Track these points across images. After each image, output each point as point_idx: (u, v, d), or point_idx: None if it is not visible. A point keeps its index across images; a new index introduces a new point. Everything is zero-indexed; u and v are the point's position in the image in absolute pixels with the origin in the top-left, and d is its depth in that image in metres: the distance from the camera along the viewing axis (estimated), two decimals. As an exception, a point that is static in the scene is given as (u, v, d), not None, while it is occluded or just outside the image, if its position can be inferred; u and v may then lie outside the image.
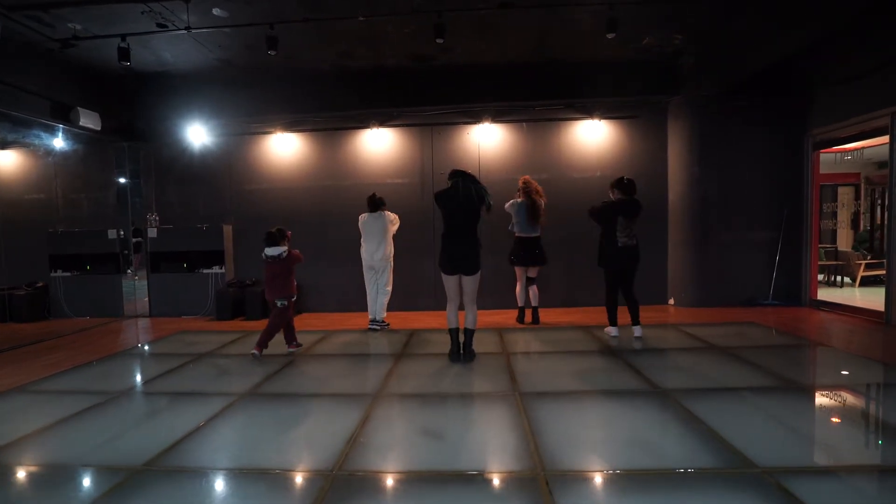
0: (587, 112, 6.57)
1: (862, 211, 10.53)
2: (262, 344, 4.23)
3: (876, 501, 1.95)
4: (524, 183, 5.36)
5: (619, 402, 3.03)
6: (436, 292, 6.48)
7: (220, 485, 2.17)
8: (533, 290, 5.48)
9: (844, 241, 9.88)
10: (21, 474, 2.32)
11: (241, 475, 2.23)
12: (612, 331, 4.67)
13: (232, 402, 3.17)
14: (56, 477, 2.26)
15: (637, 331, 4.58)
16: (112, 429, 2.82)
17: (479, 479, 2.13)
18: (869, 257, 8.10)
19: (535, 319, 5.47)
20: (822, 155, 6.39)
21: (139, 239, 6.98)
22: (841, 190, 10.61)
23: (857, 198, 10.68)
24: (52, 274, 6.98)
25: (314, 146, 6.88)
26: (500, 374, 3.62)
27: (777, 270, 6.34)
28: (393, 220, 5.32)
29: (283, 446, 2.54)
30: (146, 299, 6.96)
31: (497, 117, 6.63)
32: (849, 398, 3.09)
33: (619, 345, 4.39)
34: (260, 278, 6.71)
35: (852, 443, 2.50)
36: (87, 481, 2.22)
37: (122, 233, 6.95)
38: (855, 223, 10.22)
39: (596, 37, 5.38)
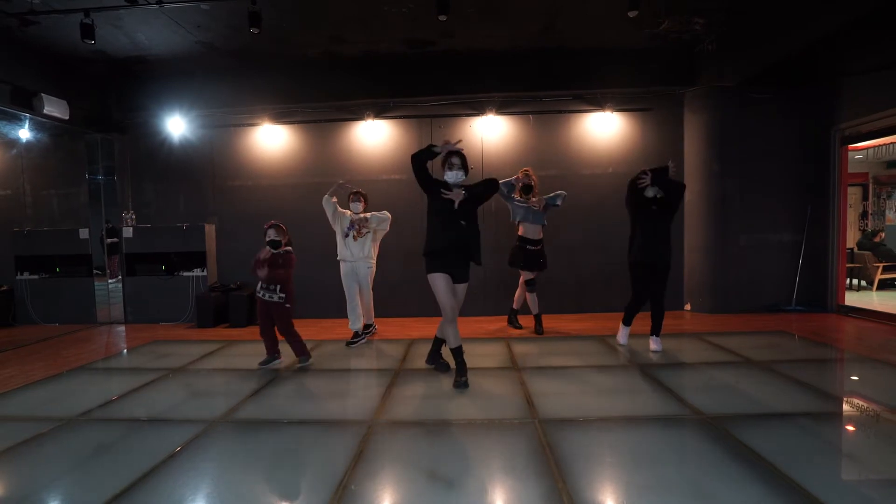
0: (598, 104, 6.12)
1: (870, 211, 10.22)
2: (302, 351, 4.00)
3: None
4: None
5: (658, 434, 2.56)
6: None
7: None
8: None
9: (853, 242, 9.56)
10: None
11: (198, 542, 1.75)
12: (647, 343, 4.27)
13: (199, 433, 2.68)
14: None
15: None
16: (50, 470, 2.31)
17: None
18: (881, 261, 7.71)
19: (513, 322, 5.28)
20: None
21: (114, 239, 6.44)
22: (850, 190, 10.29)
23: (865, 198, 10.37)
24: (18, 277, 6.42)
25: (304, 139, 6.37)
26: (513, 395, 3.16)
27: (800, 274, 5.93)
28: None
29: (255, 493, 2.06)
30: (121, 304, 6.42)
31: (501, 109, 6.16)
32: (923, 426, 2.65)
33: (639, 358, 3.94)
34: (245, 282, 6.22)
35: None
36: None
37: (103, 231, 6.39)
38: (864, 222, 9.90)
39: (609, 20, 4.94)
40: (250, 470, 2.28)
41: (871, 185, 10.35)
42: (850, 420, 2.71)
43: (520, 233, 4.92)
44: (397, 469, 2.26)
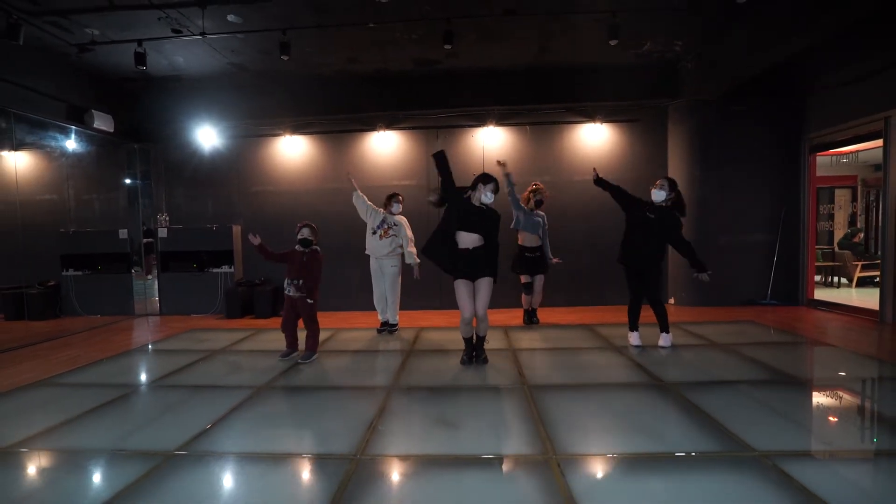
0: (589, 115, 6.72)
1: (858, 213, 10.71)
2: (312, 346, 4.20)
3: (859, 479, 2.09)
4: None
5: (622, 395, 3.16)
6: (442, 293, 6.62)
7: (254, 468, 2.29)
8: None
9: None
10: (61, 459, 2.45)
11: (273, 459, 2.36)
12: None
13: (251, 395, 3.30)
14: (95, 461, 2.39)
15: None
16: (140, 418, 2.95)
17: (494, 463, 2.26)
18: (860, 259, 8.24)
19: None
20: (819, 157, 6.55)
21: (150, 239, 7.11)
22: (838, 192, 10.78)
23: (854, 200, 10.85)
24: (64, 273, 7.09)
25: (322, 148, 7.02)
26: (508, 368, 3.76)
27: (775, 271, 6.49)
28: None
29: (307, 433, 2.68)
30: (156, 298, 7.08)
31: (501, 120, 6.78)
32: (839, 389, 3.23)
33: (621, 342, 4.52)
34: (269, 277, 6.85)
35: (843, 429, 2.64)
36: (125, 465, 2.34)
37: (131, 233, 7.06)
38: (852, 225, 10.40)
39: (598, 42, 5.54)
40: (297, 419, 2.91)
41: (859, 188, 10.84)
42: (782, 384, 3.28)
43: (519, 241, 5.41)
44: (413, 416, 2.87)
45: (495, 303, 4.45)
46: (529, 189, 5.34)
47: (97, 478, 2.24)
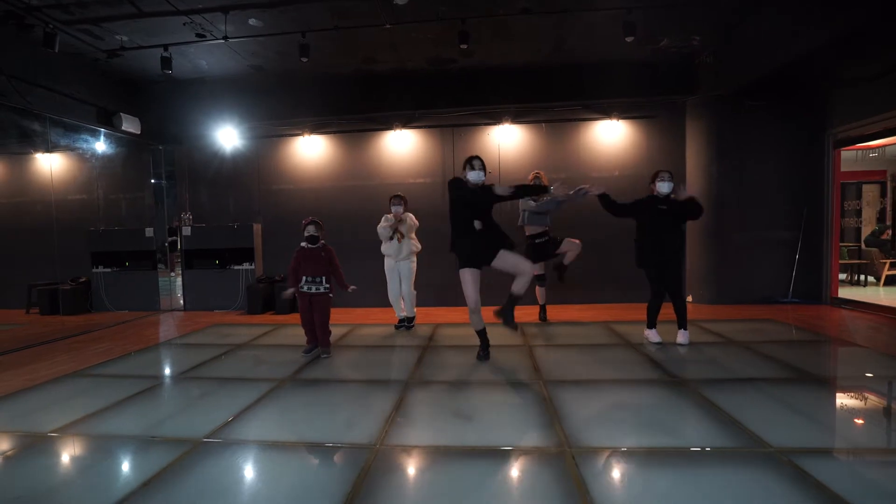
0: (605, 112, 6.69)
1: (888, 208, 10.37)
2: (327, 343, 4.32)
3: (878, 477, 2.08)
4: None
5: (636, 391, 3.18)
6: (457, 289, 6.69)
7: (279, 455, 2.40)
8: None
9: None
10: (100, 444, 2.59)
11: (297, 447, 2.47)
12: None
13: (274, 387, 3.42)
14: (131, 446, 2.53)
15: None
16: (171, 407, 3.09)
17: (509, 454, 2.32)
18: (888, 257, 8.01)
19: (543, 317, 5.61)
20: (845, 152, 6.39)
21: (174, 237, 7.34)
22: (866, 188, 10.46)
23: (884, 195, 10.52)
24: (94, 270, 7.38)
25: (339, 148, 7.14)
26: (523, 364, 3.81)
27: (797, 269, 6.37)
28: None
29: (329, 423, 2.77)
30: (180, 294, 7.31)
31: (517, 118, 6.80)
32: (860, 388, 3.18)
33: (636, 339, 4.52)
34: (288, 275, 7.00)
35: (862, 427, 2.61)
36: (157, 451, 2.47)
37: (157, 231, 7.31)
38: (881, 221, 10.08)
39: (614, 39, 5.52)
40: (319, 410, 3.00)
41: (889, 183, 10.50)
42: (801, 382, 3.25)
43: (527, 233, 5.39)
44: (430, 410, 2.94)
45: (502, 300, 4.49)
46: (531, 177, 5.25)
47: (133, 462, 2.37)
